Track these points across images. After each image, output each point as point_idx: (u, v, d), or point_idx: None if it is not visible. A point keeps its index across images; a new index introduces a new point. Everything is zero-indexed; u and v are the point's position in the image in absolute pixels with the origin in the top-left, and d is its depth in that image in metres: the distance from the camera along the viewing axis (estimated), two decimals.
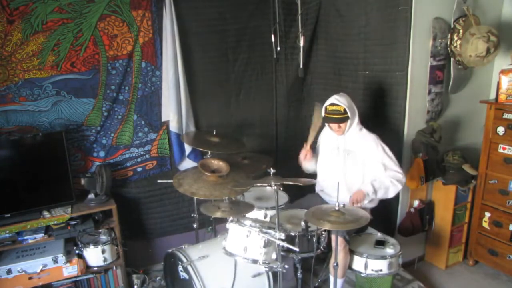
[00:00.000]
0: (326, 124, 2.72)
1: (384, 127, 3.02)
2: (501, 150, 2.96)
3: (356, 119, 2.63)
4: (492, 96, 3.20)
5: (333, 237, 2.46)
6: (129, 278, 3.07)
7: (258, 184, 2.42)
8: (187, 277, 2.41)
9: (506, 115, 2.89)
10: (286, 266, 2.34)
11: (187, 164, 3.22)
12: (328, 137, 2.81)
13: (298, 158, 2.88)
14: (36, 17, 2.62)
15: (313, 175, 2.94)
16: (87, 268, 2.80)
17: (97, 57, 2.84)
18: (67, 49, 2.75)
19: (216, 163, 2.72)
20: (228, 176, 2.64)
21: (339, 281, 2.59)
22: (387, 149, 2.61)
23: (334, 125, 2.63)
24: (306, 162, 2.89)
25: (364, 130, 2.68)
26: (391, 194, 2.62)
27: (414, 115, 2.96)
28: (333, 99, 2.59)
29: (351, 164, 2.68)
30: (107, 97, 2.94)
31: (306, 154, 2.81)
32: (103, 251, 2.80)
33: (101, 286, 2.98)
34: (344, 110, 2.54)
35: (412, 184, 2.99)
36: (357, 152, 2.66)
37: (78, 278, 2.83)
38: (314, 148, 2.91)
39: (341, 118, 2.56)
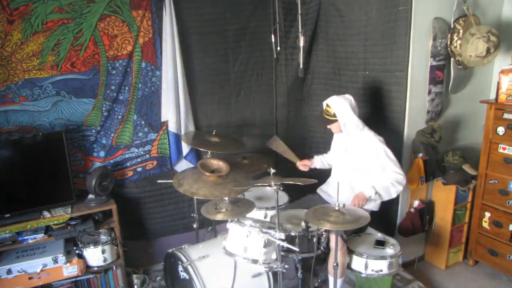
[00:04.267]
0: None
1: (384, 127, 3.02)
2: (501, 150, 2.96)
3: (352, 121, 2.64)
4: (492, 96, 3.20)
5: (332, 237, 2.47)
6: (129, 278, 3.07)
7: (258, 184, 2.42)
8: (187, 277, 2.41)
9: (506, 115, 2.89)
10: (286, 266, 2.34)
11: (184, 165, 3.23)
12: (337, 136, 2.86)
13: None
14: (36, 17, 2.62)
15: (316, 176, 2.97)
16: (87, 268, 2.80)
17: (97, 57, 2.84)
18: (67, 49, 2.75)
19: (216, 163, 2.72)
20: (228, 176, 2.64)
21: (338, 281, 2.59)
22: (389, 152, 2.61)
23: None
24: (314, 162, 3.09)
25: (367, 131, 2.68)
26: (393, 195, 2.62)
27: (414, 115, 2.96)
28: (329, 100, 2.69)
29: (352, 161, 2.70)
30: (107, 97, 2.94)
31: (305, 165, 3.07)
32: (103, 251, 2.80)
33: (101, 286, 2.98)
34: (334, 114, 2.65)
35: (412, 184, 2.99)
36: (357, 151, 2.67)
37: (78, 278, 2.83)
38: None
39: (329, 120, 2.69)
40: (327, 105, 2.69)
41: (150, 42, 2.98)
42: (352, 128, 2.65)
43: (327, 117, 2.69)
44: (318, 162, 3.07)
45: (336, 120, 2.66)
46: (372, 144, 2.62)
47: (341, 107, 2.63)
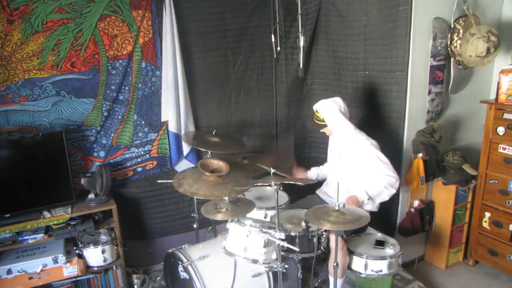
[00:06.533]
0: None
1: (384, 127, 3.02)
2: (501, 150, 2.96)
3: (341, 125, 2.66)
4: (492, 96, 3.20)
5: (332, 237, 2.47)
6: (129, 278, 3.07)
7: (258, 184, 2.42)
8: (188, 277, 2.41)
9: (506, 115, 2.89)
10: (286, 266, 2.34)
11: (184, 165, 3.23)
12: (332, 140, 2.87)
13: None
14: (36, 17, 2.62)
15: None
16: (87, 268, 2.80)
17: (97, 57, 2.84)
18: (67, 49, 2.75)
19: (216, 163, 2.72)
20: (228, 176, 2.64)
21: (339, 281, 2.59)
22: (381, 155, 2.61)
23: None
24: (309, 174, 3.08)
25: (359, 133, 2.68)
26: (386, 198, 2.64)
27: (414, 115, 2.96)
28: (317, 105, 2.72)
29: (346, 165, 2.71)
30: (107, 97, 2.94)
31: (299, 172, 3.06)
32: (103, 251, 2.80)
33: (101, 286, 2.98)
34: (323, 119, 2.68)
35: (412, 184, 2.99)
36: (350, 155, 2.68)
37: (78, 278, 2.83)
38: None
39: (318, 125, 2.74)
40: (316, 110, 2.71)
41: (150, 42, 2.98)
42: (342, 131, 2.67)
43: (317, 122, 2.72)
44: (314, 174, 3.06)
45: (326, 125, 2.69)
46: (364, 148, 2.62)
47: (329, 111, 2.65)
